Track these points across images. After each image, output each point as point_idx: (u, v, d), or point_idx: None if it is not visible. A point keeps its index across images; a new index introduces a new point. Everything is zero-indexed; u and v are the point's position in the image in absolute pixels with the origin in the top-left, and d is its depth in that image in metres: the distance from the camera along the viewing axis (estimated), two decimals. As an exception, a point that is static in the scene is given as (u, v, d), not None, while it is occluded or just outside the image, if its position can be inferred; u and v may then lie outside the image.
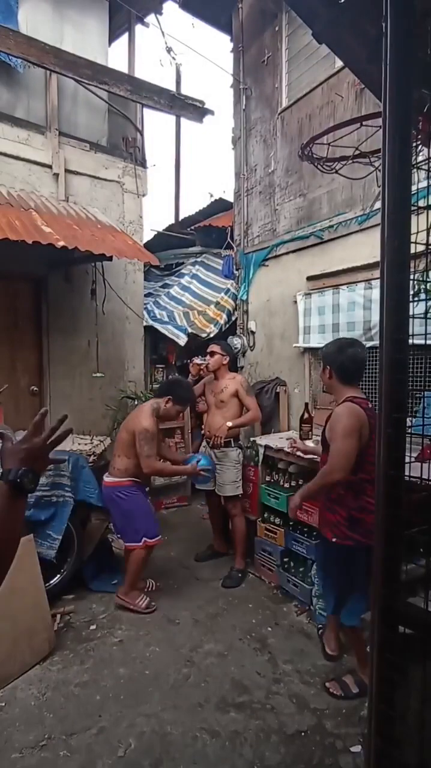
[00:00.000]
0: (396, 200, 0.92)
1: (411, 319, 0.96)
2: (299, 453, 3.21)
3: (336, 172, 2.78)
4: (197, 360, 3.68)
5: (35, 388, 4.51)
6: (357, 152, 2.43)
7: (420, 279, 1.24)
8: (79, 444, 4.11)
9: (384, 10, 0.90)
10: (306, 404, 3.78)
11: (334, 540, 2.31)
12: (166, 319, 5.43)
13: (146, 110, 5.15)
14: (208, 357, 3.66)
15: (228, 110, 5.45)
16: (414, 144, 1.15)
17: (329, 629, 2.70)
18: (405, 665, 0.92)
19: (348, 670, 2.50)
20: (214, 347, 3.71)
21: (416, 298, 1.15)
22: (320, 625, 2.88)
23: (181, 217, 7.84)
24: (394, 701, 0.92)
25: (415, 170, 1.00)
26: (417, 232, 0.97)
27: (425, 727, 0.93)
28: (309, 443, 3.43)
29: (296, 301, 4.32)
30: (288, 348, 4.50)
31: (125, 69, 5.07)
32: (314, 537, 3.14)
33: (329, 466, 2.25)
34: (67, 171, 4.55)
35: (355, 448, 2.18)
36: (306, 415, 3.52)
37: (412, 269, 0.97)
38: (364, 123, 2.29)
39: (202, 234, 6.67)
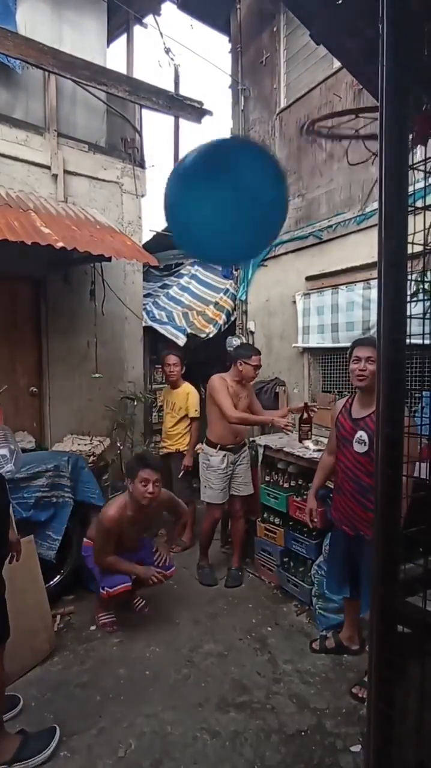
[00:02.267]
0: (393, 201, 0.92)
1: (408, 319, 0.96)
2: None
3: (340, 140, 2.74)
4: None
5: (35, 389, 4.51)
6: (356, 133, 2.43)
7: (418, 279, 1.24)
8: (78, 445, 4.11)
9: (380, 11, 0.90)
10: (305, 404, 3.78)
11: None
12: (165, 319, 5.43)
13: (144, 111, 5.15)
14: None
15: (227, 111, 5.45)
16: (411, 144, 1.16)
17: (350, 626, 2.70)
18: (404, 664, 0.93)
19: (365, 671, 2.47)
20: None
21: (414, 298, 1.16)
22: (323, 630, 2.87)
23: (180, 217, 7.84)
24: (393, 700, 0.93)
25: (412, 171, 1.01)
26: (415, 233, 0.97)
27: (424, 725, 0.94)
28: (308, 443, 3.43)
29: (295, 301, 4.33)
30: (287, 348, 4.50)
31: (123, 70, 5.06)
32: (313, 536, 3.15)
33: None
34: (65, 172, 4.55)
35: None
36: (306, 415, 3.53)
37: (410, 269, 0.98)
38: (360, 115, 2.30)
39: (201, 234, 6.67)
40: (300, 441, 3.46)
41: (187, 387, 4.15)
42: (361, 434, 2.39)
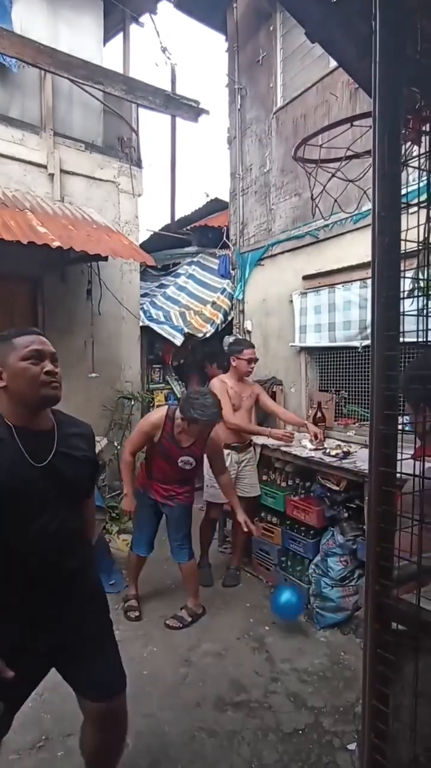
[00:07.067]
0: (386, 198, 0.92)
1: (402, 317, 0.96)
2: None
3: (333, 176, 2.77)
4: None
5: (32, 389, 4.50)
6: (350, 153, 2.42)
7: (414, 276, 1.24)
8: (76, 444, 4.09)
9: (373, 8, 0.90)
10: (319, 403, 3.70)
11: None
12: (162, 319, 5.43)
13: (141, 110, 5.15)
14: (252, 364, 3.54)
15: (223, 110, 5.46)
16: (404, 142, 1.15)
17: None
18: (397, 661, 0.93)
19: (180, 606, 3.03)
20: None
21: (409, 296, 1.15)
22: (320, 628, 2.88)
23: (177, 217, 7.83)
24: (387, 697, 0.93)
25: (405, 168, 1.01)
26: (407, 230, 0.97)
27: (417, 722, 0.94)
28: (307, 443, 3.42)
29: (292, 301, 4.33)
30: (284, 347, 4.50)
31: (119, 69, 5.06)
32: (311, 535, 3.15)
33: None
34: (62, 171, 4.54)
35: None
36: (320, 414, 3.44)
37: (404, 267, 0.98)
38: (355, 123, 2.29)
39: (198, 234, 6.67)
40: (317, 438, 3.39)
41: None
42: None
